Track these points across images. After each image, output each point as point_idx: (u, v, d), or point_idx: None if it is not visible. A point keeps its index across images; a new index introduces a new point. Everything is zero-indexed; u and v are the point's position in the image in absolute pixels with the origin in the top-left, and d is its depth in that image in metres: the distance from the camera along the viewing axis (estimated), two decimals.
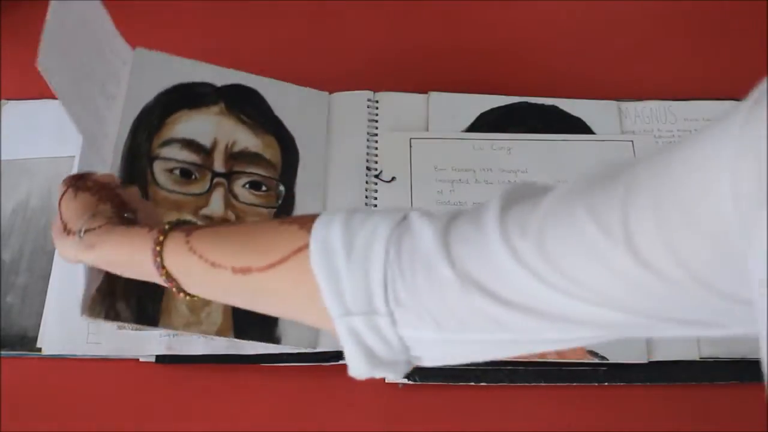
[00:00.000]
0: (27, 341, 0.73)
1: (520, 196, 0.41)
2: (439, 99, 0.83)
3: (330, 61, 0.90)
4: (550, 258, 0.37)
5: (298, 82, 0.85)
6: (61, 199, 0.59)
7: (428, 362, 0.45)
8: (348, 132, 0.82)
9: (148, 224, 0.54)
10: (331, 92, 0.84)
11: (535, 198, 0.40)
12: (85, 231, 0.54)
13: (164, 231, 0.50)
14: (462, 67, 0.89)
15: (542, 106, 0.84)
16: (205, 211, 0.73)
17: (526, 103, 0.84)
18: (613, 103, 0.84)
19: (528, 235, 0.38)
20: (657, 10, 0.94)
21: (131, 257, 0.52)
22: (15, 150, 0.83)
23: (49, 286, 0.75)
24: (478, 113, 0.83)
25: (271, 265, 0.45)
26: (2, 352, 0.73)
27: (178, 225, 0.51)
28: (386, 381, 0.71)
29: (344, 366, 0.70)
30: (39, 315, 0.74)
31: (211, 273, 0.47)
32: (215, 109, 0.78)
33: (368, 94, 0.84)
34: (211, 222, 0.54)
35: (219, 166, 0.76)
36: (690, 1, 0.94)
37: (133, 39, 0.82)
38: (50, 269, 0.76)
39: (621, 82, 0.88)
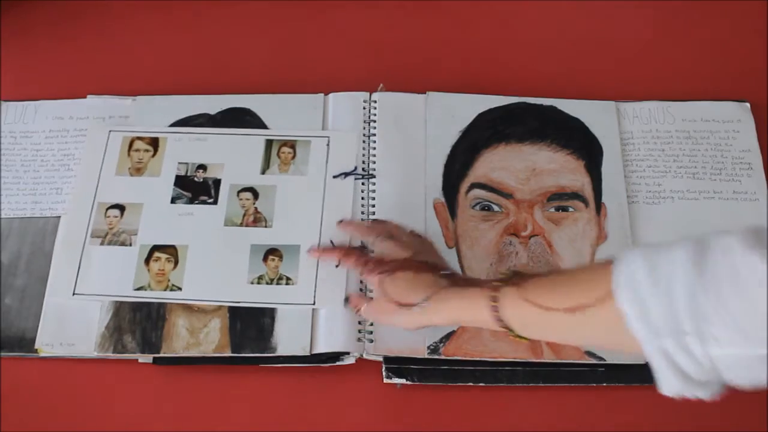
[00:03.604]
0: (25, 342, 0.73)
1: None
2: (437, 99, 0.83)
3: (327, 62, 0.90)
4: None
5: (294, 84, 0.85)
6: (381, 286, 0.65)
7: (740, 382, 0.45)
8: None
9: (475, 283, 0.61)
10: (326, 93, 0.84)
11: None
12: (426, 299, 0.61)
13: (497, 287, 0.57)
14: (460, 68, 0.89)
15: (541, 106, 0.84)
16: None
17: (525, 103, 0.84)
18: (612, 103, 0.84)
19: None
20: (655, 11, 0.94)
21: (473, 316, 0.59)
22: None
23: (47, 288, 0.75)
24: (476, 113, 0.83)
25: (599, 299, 0.49)
26: (1, 354, 0.73)
27: (504, 280, 0.58)
28: (384, 381, 0.71)
29: (341, 367, 0.71)
30: (37, 317, 0.74)
31: (545, 316, 0.53)
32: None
33: (364, 95, 0.84)
34: (519, 271, 0.59)
35: None
36: (689, 1, 0.94)
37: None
38: (48, 271, 0.76)
39: (619, 82, 0.87)
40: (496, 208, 0.78)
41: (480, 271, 0.75)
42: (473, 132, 0.82)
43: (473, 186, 0.79)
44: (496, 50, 0.91)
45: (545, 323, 0.54)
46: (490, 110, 0.83)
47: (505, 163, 0.80)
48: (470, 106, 0.83)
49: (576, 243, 0.76)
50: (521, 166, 0.80)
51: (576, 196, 0.78)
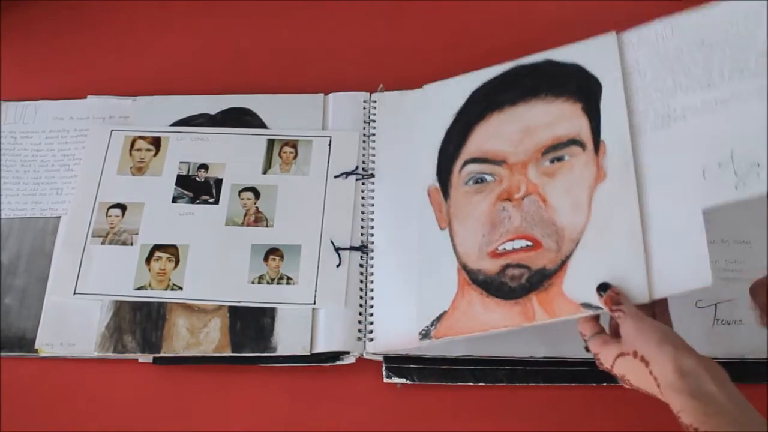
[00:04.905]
0: (25, 342, 0.73)
1: None
2: (432, 90, 0.81)
3: (327, 62, 0.90)
4: None
5: (294, 84, 0.85)
6: None
7: None
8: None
9: None
10: (326, 93, 0.84)
11: None
12: None
13: None
14: (461, 67, 0.88)
15: (534, 64, 0.78)
16: None
17: (518, 66, 0.79)
18: (611, 35, 0.75)
19: None
20: None
21: None
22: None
23: (48, 287, 0.75)
24: (470, 92, 0.79)
25: None
26: (1, 354, 0.73)
27: None
28: (384, 381, 0.71)
29: (341, 366, 0.71)
30: (37, 317, 0.74)
31: None
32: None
33: (364, 95, 0.84)
34: None
35: None
36: None
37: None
38: (48, 271, 0.76)
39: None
40: (489, 178, 0.74)
41: (471, 244, 0.72)
42: (466, 110, 0.79)
43: (466, 162, 0.76)
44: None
45: None
46: (483, 85, 0.79)
47: (498, 131, 0.76)
48: (465, 85, 0.80)
49: (572, 190, 0.71)
50: (514, 128, 0.75)
51: (572, 142, 0.73)
